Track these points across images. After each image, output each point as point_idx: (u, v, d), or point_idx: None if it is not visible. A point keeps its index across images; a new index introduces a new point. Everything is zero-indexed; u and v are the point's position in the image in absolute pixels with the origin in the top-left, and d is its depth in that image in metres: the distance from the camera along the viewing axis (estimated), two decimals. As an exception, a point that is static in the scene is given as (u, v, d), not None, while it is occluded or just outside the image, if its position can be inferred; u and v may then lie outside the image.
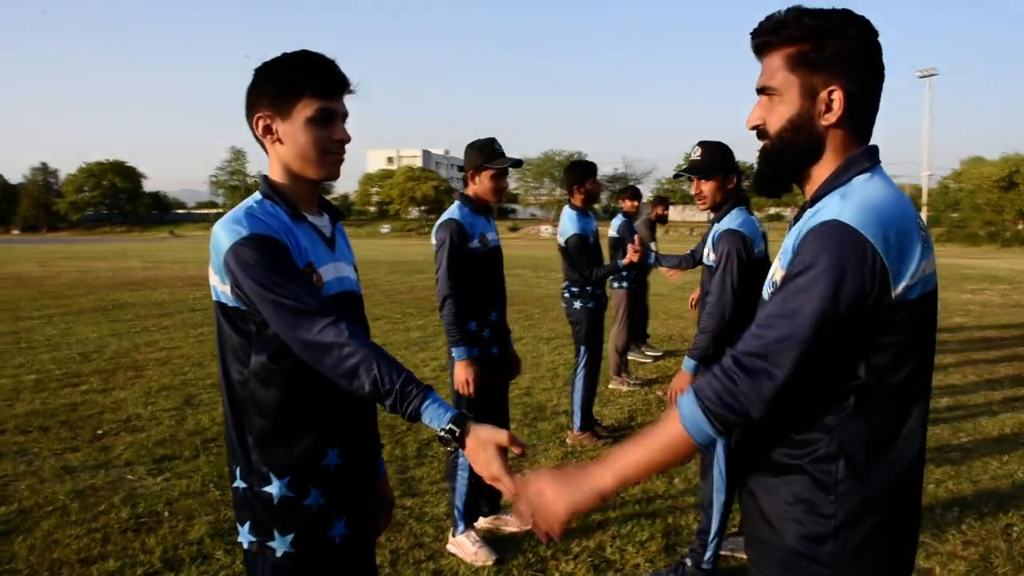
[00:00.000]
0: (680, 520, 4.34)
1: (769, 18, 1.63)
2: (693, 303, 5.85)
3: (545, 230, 70.62)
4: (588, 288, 5.76)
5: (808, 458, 1.54)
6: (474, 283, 3.86)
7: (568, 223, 5.76)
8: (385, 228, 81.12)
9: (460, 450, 3.89)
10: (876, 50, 1.59)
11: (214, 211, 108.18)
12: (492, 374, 3.93)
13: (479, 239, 3.89)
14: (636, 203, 8.41)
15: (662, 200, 9.36)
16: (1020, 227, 56.23)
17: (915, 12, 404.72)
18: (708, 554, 3.68)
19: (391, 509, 2.31)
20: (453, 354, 3.84)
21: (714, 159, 3.70)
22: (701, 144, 3.78)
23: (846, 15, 1.57)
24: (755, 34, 1.65)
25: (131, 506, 4.44)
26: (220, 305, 1.84)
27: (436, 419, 1.67)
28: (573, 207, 5.85)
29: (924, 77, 78.26)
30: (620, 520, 4.33)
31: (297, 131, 1.86)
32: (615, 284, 7.88)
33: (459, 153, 4.29)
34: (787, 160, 1.65)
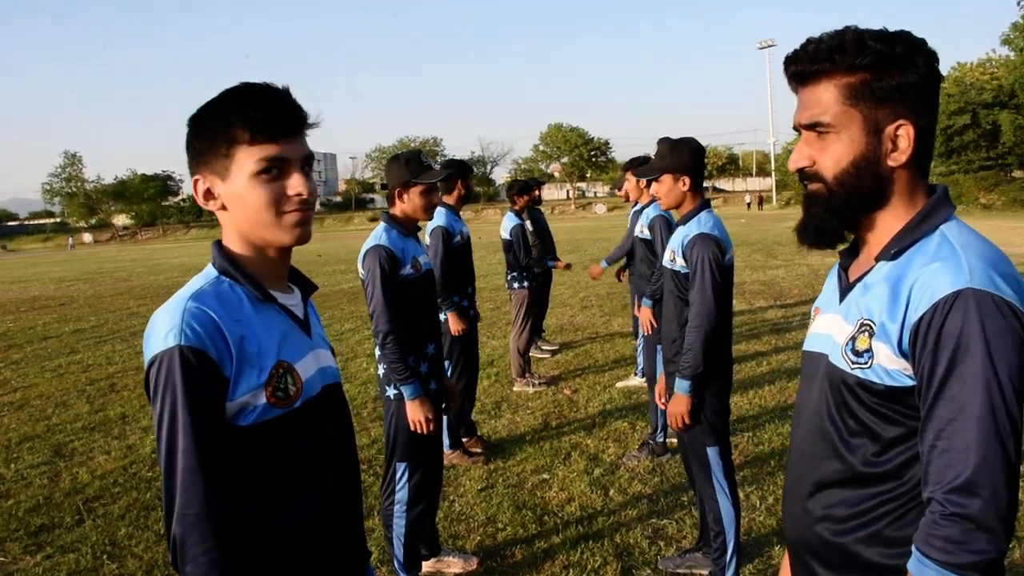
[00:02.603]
0: (628, 538, 4.12)
1: (817, 41, 1.39)
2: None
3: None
4: (455, 298, 5.42)
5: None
6: (409, 314, 3.48)
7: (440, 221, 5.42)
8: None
9: (395, 495, 3.55)
10: (939, 80, 1.41)
11: (50, 221, 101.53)
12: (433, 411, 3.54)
13: (411, 264, 3.50)
14: (527, 198, 8.06)
15: (535, 181, 8.59)
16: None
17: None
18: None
19: None
20: (404, 393, 3.44)
21: (663, 158, 3.44)
22: (658, 142, 3.52)
23: (911, 40, 1.37)
24: (799, 60, 1.41)
25: (11, 598, 3.81)
26: None
27: None
28: (445, 205, 5.55)
29: (764, 48, 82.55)
30: (566, 545, 4.06)
31: (242, 191, 1.45)
32: (516, 284, 7.58)
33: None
34: (851, 207, 1.43)
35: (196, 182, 1.49)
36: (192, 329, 1.36)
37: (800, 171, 1.46)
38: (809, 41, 1.40)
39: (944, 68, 1.51)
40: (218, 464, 1.36)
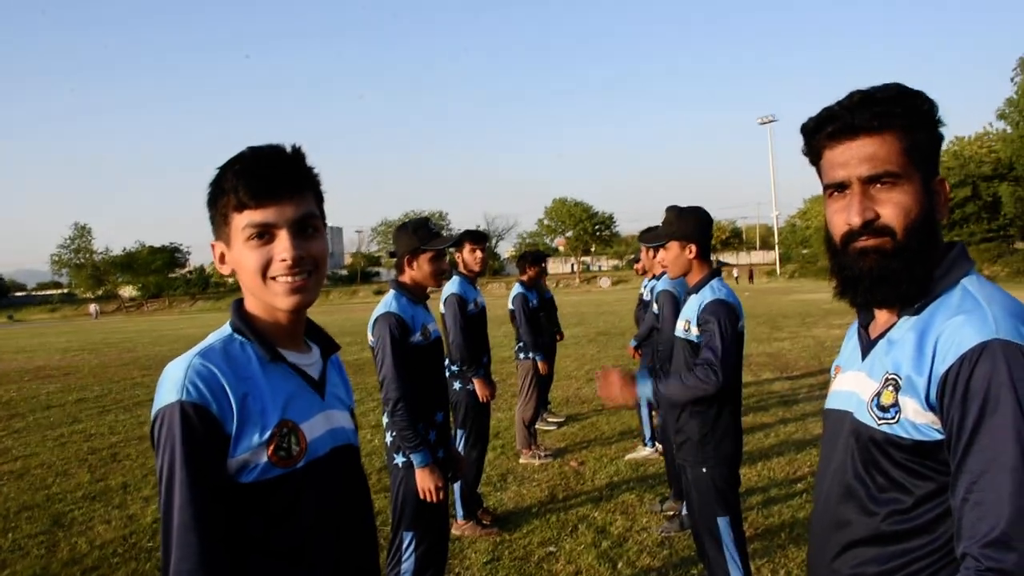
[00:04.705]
0: (637, 613, 4.02)
1: (868, 94, 1.39)
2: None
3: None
4: (479, 366, 5.45)
5: None
6: (418, 381, 3.47)
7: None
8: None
9: (401, 565, 3.49)
10: None
11: (57, 292, 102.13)
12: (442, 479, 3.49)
13: (420, 331, 3.52)
14: (536, 269, 8.06)
15: (535, 257, 8.13)
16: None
17: (751, 62, 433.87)
18: None
19: None
20: (414, 461, 3.41)
21: (670, 225, 3.48)
22: (667, 209, 3.56)
23: (929, 98, 1.40)
24: (856, 112, 1.38)
25: (5, 672, 3.70)
26: None
27: None
28: (460, 274, 5.63)
29: (765, 124, 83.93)
30: (574, 620, 3.96)
31: (239, 256, 1.48)
32: (521, 355, 7.58)
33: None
34: (921, 260, 1.40)
35: (213, 247, 1.54)
36: (195, 385, 1.37)
37: (864, 225, 1.40)
38: (858, 95, 1.40)
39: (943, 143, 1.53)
40: (214, 520, 1.36)
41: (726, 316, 3.29)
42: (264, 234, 1.45)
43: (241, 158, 1.46)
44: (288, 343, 1.58)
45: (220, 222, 1.49)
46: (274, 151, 1.47)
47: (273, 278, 1.47)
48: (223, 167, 1.47)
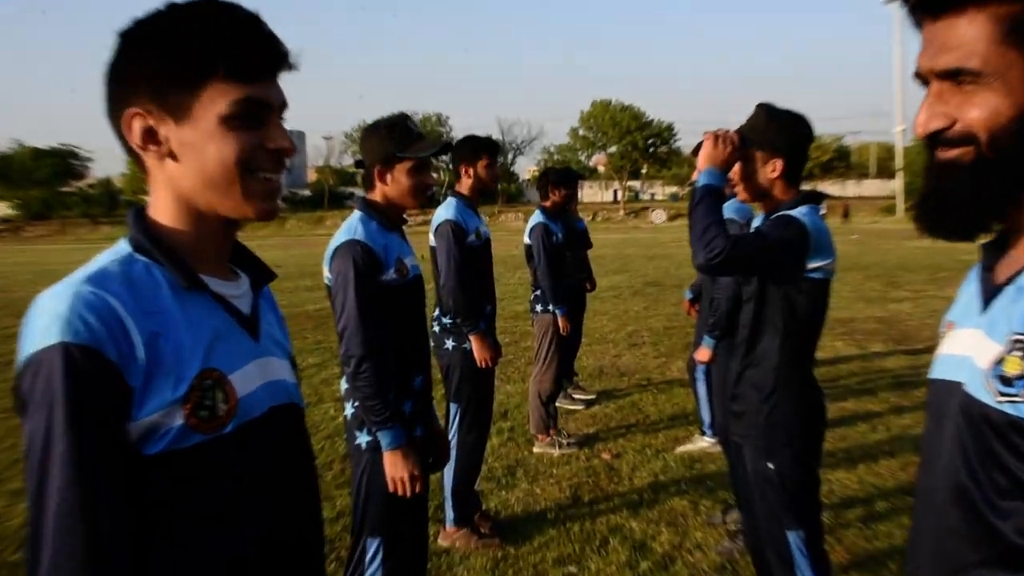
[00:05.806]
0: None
1: None
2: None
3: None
4: (480, 320, 5.47)
5: None
6: (390, 333, 3.49)
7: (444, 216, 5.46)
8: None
9: (367, 560, 3.57)
10: None
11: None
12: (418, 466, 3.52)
13: (395, 267, 3.52)
14: (563, 192, 8.02)
15: (561, 176, 8.22)
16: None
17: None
18: None
19: None
20: (381, 441, 3.43)
21: (754, 130, 3.38)
22: (757, 106, 3.46)
23: None
24: None
25: None
26: None
27: None
28: (457, 195, 5.62)
29: (891, 1, 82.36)
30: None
31: (205, 138, 1.46)
32: (538, 308, 7.63)
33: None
34: (1014, 177, 1.38)
35: (131, 117, 1.47)
36: (83, 321, 1.32)
37: (933, 136, 1.41)
38: None
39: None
40: (108, 505, 1.32)
41: (788, 228, 3.26)
42: (252, 116, 1.47)
43: (230, 11, 1.45)
44: (210, 267, 1.57)
45: (172, 86, 1.45)
46: (255, 14, 1.48)
47: (253, 172, 1.48)
48: (190, 17, 1.44)
